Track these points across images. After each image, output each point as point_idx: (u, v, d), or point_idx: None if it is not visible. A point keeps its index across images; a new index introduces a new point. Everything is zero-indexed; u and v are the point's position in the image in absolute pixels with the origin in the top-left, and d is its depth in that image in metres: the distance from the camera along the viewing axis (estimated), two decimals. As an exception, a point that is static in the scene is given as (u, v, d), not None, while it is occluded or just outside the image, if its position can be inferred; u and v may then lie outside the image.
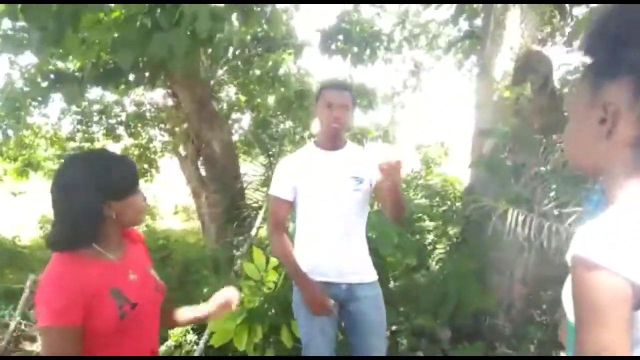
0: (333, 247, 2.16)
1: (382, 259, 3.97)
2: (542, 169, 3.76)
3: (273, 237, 2.24)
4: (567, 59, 5.42)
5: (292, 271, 2.17)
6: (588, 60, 0.82)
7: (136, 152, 7.29)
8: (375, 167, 1.97)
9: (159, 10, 3.82)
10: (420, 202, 5.03)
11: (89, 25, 3.91)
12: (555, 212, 3.31)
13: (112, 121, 6.98)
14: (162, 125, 7.10)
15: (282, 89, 6.21)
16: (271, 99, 6.55)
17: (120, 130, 7.12)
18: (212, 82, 5.98)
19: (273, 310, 2.84)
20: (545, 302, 3.77)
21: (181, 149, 6.46)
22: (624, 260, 0.70)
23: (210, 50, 5.21)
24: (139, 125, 7.10)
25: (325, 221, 2.15)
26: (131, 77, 5.16)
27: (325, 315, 2.09)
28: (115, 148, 7.58)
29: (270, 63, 6.29)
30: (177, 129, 6.35)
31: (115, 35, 4.13)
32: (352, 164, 2.19)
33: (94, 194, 1.26)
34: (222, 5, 4.39)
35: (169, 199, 10.61)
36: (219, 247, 5.21)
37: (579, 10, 5.29)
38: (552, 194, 3.58)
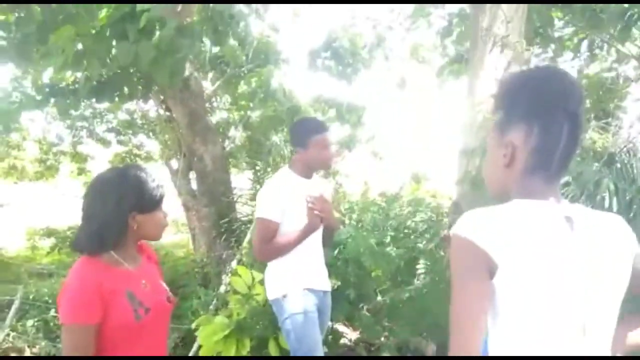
0: (314, 259, 2.50)
1: (367, 273, 4.06)
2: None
3: (262, 250, 2.39)
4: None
5: (292, 241, 2.34)
6: (497, 114, 1.14)
7: (127, 159, 7.26)
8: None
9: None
10: (409, 217, 5.10)
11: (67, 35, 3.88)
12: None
13: (102, 127, 6.99)
14: (151, 134, 7.12)
15: (274, 105, 6.30)
16: (258, 114, 6.57)
17: (110, 136, 7.14)
18: (205, 96, 6.05)
19: (261, 324, 2.90)
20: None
21: (172, 162, 6.51)
22: (483, 234, 0.93)
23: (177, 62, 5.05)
24: (130, 132, 7.12)
25: (309, 238, 2.42)
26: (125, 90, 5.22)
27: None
28: (106, 154, 7.58)
29: (262, 78, 6.40)
30: (169, 142, 6.40)
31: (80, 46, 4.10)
32: (320, 190, 2.52)
33: (123, 205, 1.42)
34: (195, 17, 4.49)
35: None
36: (208, 261, 5.26)
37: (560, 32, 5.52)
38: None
